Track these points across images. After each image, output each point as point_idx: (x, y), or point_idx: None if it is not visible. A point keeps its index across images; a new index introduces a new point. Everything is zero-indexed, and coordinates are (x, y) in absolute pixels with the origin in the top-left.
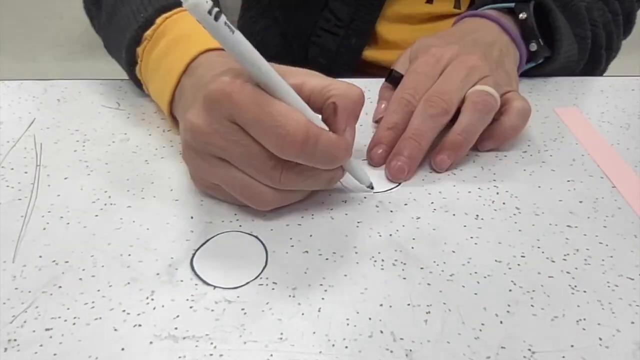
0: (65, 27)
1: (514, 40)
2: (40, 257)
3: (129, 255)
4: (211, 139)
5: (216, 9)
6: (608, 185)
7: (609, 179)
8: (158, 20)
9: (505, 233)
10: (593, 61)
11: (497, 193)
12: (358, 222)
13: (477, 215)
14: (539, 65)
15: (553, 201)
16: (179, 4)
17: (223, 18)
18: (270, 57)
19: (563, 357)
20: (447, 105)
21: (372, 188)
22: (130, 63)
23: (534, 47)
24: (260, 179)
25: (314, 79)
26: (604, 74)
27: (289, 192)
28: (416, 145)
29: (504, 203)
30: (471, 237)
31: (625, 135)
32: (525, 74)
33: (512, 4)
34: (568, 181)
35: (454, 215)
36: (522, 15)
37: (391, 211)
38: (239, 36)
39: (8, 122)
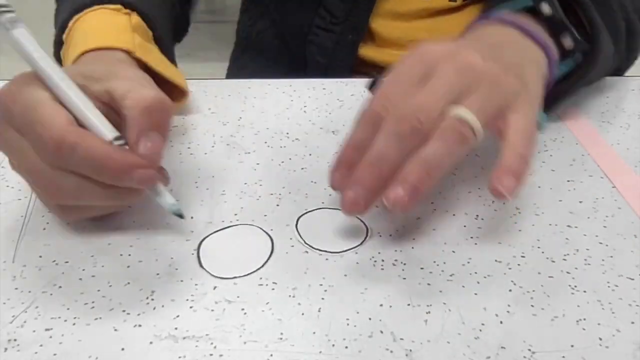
0: None
1: (541, 46)
2: (40, 257)
3: (129, 255)
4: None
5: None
6: (608, 185)
7: (609, 179)
8: (70, 24)
9: (505, 233)
10: (630, 50)
11: None
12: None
13: (477, 215)
14: (577, 73)
15: (553, 201)
16: (88, 4)
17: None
18: (269, 58)
19: (563, 357)
20: (421, 124)
21: (182, 217)
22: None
23: (568, 42)
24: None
25: (120, 85)
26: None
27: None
28: (375, 173)
29: (504, 203)
30: (471, 237)
31: (625, 135)
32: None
33: (528, 3)
34: (568, 181)
35: (454, 215)
36: (547, 10)
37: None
38: (17, 33)
39: None
